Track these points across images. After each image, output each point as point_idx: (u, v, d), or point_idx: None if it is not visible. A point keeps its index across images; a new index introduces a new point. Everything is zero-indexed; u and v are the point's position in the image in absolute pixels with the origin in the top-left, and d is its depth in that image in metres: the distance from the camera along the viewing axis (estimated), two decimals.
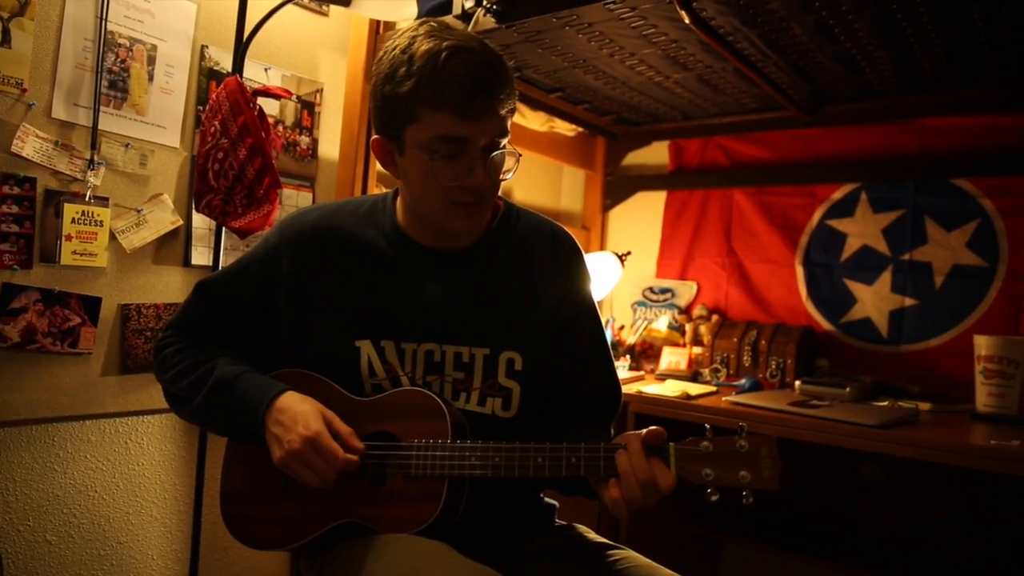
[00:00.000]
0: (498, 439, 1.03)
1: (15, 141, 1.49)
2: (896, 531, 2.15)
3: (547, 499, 1.26)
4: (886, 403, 1.95)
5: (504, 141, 1.05)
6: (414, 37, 1.02)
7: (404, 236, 1.15)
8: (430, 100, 0.99)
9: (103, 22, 1.60)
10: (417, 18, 1.78)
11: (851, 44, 1.78)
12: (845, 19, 1.62)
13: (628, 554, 1.13)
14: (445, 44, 0.99)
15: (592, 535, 1.20)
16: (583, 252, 1.25)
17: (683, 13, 1.54)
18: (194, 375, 1.12)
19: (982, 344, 1.87)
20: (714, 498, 0.96)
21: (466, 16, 1.67)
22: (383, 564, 0.96)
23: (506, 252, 1.17)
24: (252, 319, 1.17)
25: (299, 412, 1.04)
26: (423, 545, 0.99)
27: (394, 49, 1.03)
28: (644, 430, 1.00)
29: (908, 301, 2.23)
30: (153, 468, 1.79)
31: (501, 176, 1.07)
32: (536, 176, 2.96)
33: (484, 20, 1.64)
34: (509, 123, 1.06)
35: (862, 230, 2.32)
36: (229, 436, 1.18)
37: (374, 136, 1.10)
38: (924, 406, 1.93)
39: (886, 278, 2.27)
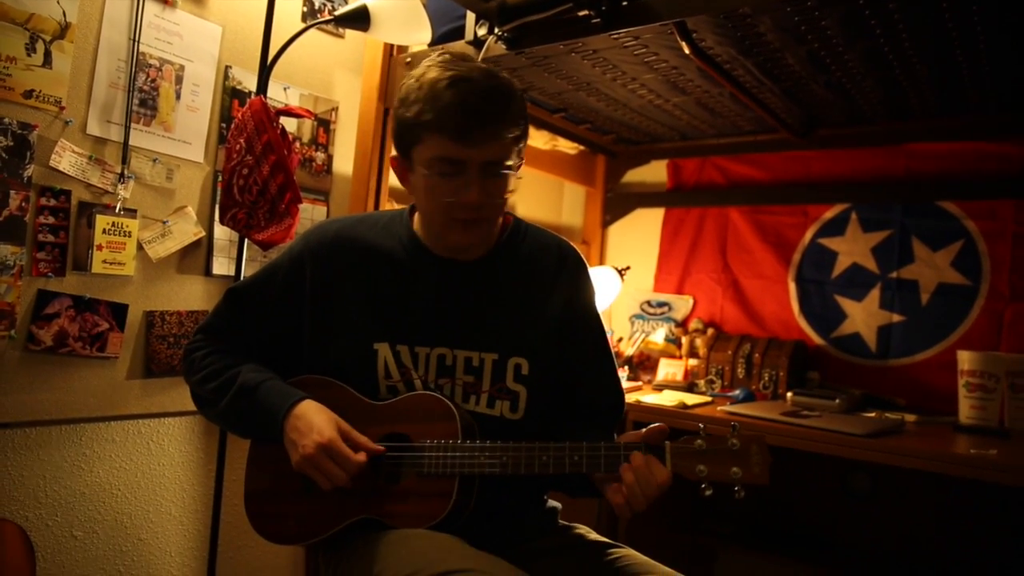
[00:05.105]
0: (506, 440, 1.10)
1: (53, 156, 1.58)
2: (884, 537, 2.23)
3: (551, 501, 1.32)
4: (873, 414, 2.03)
5: (506, 163, 1.13)
6: (428, 67, 1.13)
7: (420, 247, 1.23)
8: (430, 124, 1.09)
9: (136, 44, 1.70)
10: (430, 44, 1.88)
11: (841, 74, 1.88)
12: (836, 51, 1.71)
13: (627, 552, 1.20)
14: (448, 74, 1.09)
15: (593, 535, 1.27)
16: (588, 266, 1.33)
17: (683, 43, 1.63)
18: (220, 379, 1.19)
19: (965, 359, 1.95)
20: (708, 492, 1.02)
21: (478, 42, 1.75)
22: (399, 557, 1.03)
23: (515, 264, 1.25)
24: (278, 323, 1.25)
25: (314, 420, 1.11)
26: (437, 538, 1.06)
27: (411, 77, 1.14)
28: (645, 429, 1.08)
29: (896, 317, 2.31)
30: (173, 468, 1.87)
31: (496, 197, 1.14)
32: (538, 192, 3.05)
33: (495, 47, 1.73)
34: (515, 146, 1.14)
35: (852, 248, 2.41)
36: (251, 438, 1.25)
37: (392, 154, 1.21)
38: (910, 417, 2.01)
39: (875, 295, 2.35)
